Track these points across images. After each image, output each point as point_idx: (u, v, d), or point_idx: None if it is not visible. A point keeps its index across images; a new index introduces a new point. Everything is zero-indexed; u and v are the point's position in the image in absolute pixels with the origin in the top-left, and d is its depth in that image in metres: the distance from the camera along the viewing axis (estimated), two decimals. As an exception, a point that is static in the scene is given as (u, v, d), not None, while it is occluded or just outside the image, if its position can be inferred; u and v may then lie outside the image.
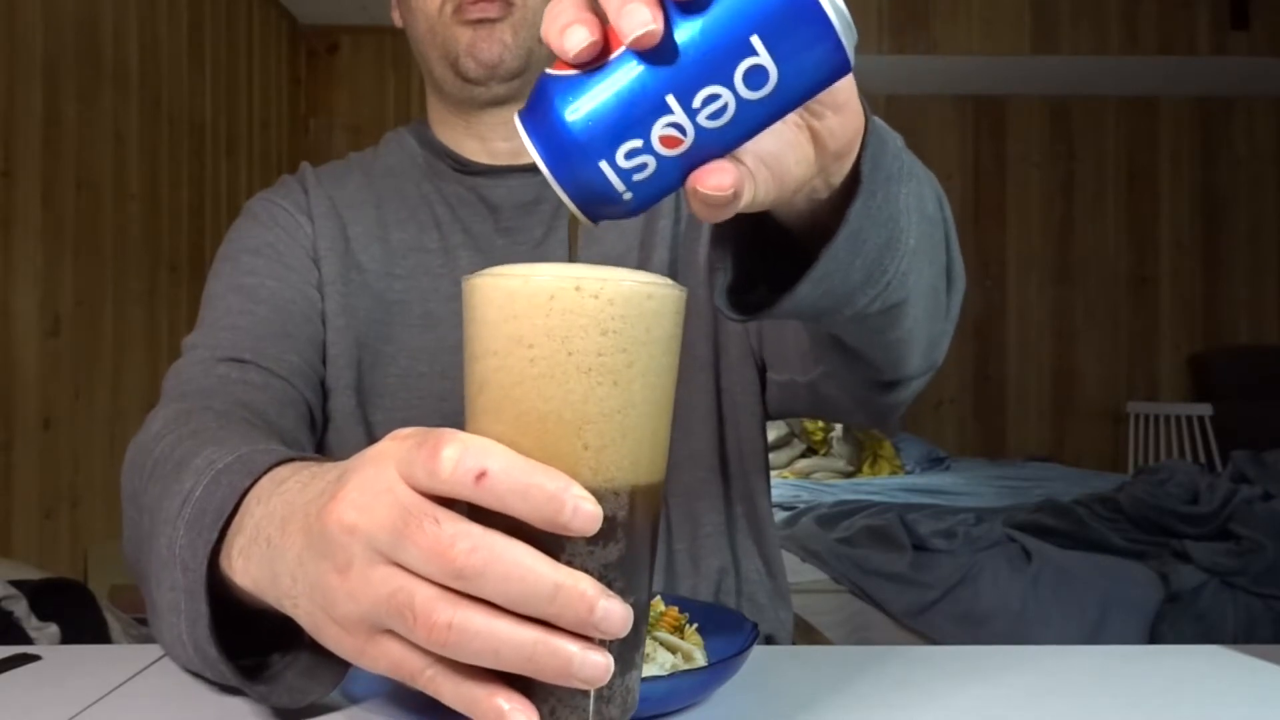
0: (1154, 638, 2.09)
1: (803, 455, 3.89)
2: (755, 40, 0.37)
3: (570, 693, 0.38)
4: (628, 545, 0.38)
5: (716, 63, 0.37)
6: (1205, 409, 4.33)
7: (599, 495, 0.37)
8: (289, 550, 0.43)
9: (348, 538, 0.38)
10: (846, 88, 0.44)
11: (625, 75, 0.37)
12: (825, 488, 3.33)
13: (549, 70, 0.39)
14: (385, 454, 0.39)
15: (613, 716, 0.39)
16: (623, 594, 0.37)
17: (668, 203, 0.89)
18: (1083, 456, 4.59)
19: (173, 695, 0.58)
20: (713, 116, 0.38)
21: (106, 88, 2.75)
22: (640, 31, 0.36)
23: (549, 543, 0.36)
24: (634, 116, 0.37)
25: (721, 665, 0.54)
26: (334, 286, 0.86)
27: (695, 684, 0.54)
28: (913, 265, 0.54)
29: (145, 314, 2.97)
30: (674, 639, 0.59)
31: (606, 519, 0.36)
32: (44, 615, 1.56)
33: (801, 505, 2.85)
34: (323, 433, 0.86)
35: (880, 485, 3.41)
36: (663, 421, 0.40)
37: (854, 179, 0.48)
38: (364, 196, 0.91)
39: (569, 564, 0.37)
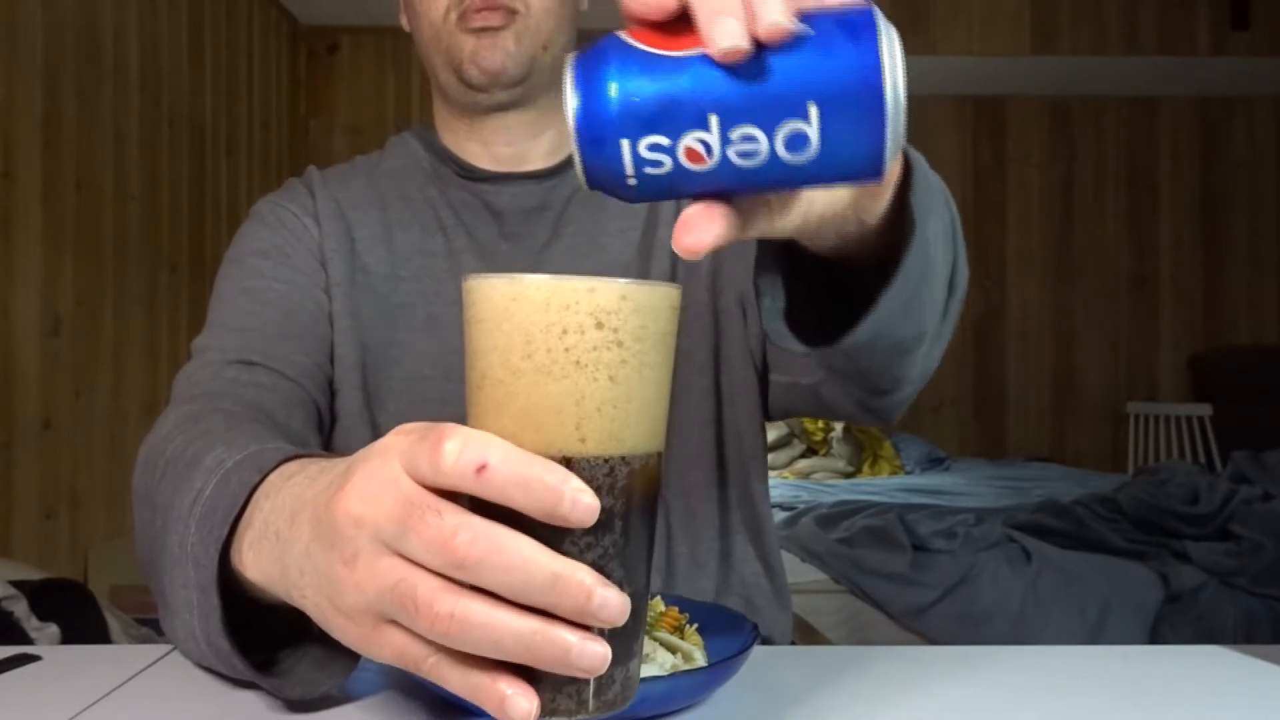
0: (1154, 638, 2.09)
1: (803, 455, 3.89)
2: (811, 106, 0.37)
3: (570, 681, 0.38)
4: (625, 536, 0.39)
5: (770, 108, 0.37)
6: (1205, 409, 4.33)
7: (596, 487, 0.37)
8: (297, 542, 0.44)
9: (354, 529, 0.39)
10: None
11: (683, 74, 0.38)
12: (825, 488, 3.33)
13: (621, 35, 0.39)
14: (390, 448, 0.40)
15: (612, 704, 0.39)
16: (620, 584, 0.38)
17: (668, 211, 0.89)
18: (1083, 456, 4.59)
19: (172, 695, 0.58)
20: (742, 155, 0.38)
21: (106, 88, 2.75)
22: (728, 45, 0.36)
23: (548, 534, 0.37)
24: (673, 115, 0.38)
25: (721, 665, 0.54)
26: (341, 288, 0.87)
27: (695, 684, 0.54)
28: (938, 286, 0.56)
29: (145, 314, 2.97)
30: (674, 639, 0.59)
31: (604, 510, 0.37)
32: (44, 615, 1.56)
33: (801, 505, 2.85)
34: (330, 432, 0.87)
35: (880, 485, 3.41)
36: (659, 416, 0.40)
37: (893, 221, 0.49)
38: (369, 199, 0.91)
39: (567, 555, 0.37)
